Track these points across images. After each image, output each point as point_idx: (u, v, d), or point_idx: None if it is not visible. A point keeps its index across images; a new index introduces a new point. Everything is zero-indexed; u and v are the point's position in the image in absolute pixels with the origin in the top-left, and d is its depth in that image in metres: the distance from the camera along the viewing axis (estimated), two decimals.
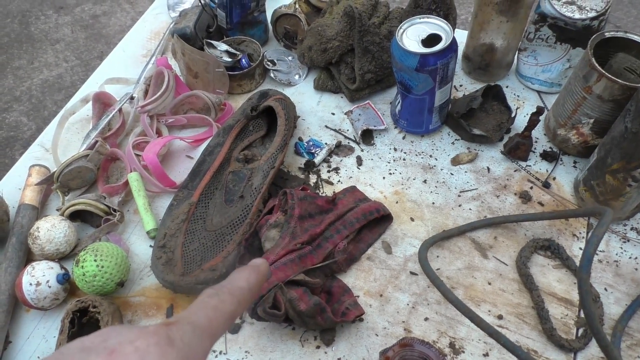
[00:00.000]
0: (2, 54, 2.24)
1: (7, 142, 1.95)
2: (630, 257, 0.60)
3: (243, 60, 0.77)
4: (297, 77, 0.80)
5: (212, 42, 0.77)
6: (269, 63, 0.79)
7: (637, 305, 0.56)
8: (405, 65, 0.62)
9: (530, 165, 0.68)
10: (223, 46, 0.78)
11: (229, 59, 0.77)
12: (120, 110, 0.74)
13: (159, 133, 0.74)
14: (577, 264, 0.59)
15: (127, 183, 0.68)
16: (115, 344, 0.24)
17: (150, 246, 0.65)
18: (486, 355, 0.54)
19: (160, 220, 0.66)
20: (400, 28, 0.64)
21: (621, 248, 0.61)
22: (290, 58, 0.82)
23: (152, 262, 0.60)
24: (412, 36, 0.63)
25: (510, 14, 0.67)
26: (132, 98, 0.75)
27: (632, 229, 0.62)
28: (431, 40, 0.63)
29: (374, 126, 0.72)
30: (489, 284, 0.59)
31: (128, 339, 0.24)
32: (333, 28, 0.73)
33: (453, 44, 0.62)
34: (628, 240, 0.61)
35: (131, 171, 0.68)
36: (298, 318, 0.53)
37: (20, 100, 2.07)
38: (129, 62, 0.86)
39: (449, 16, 0.71)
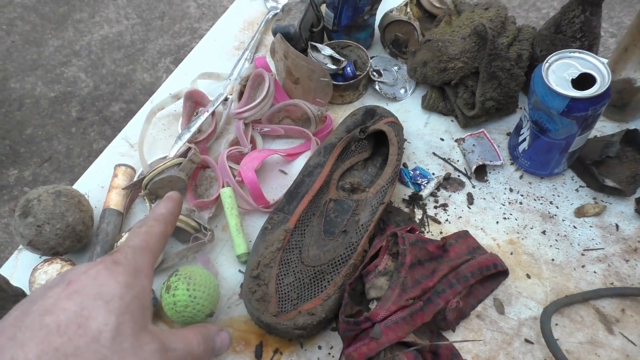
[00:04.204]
0: (63, 4, 2.20)
1: (64, 97, 1.94)
2: None
3: (348, 68, 0.70)
4: (402, 91, 0.73)
5: (317, 45, 0.70)
6: (374, 73, 0.72)
7: None
8: (549, 106, 0.54)
9: None
10: (327, 50, 0.71)
11: (333, 66, 0.70)
12: (213, 113, 0.68)
13: (252, 142, 0.68)
14: None
15: (218, 197, 0.63)
16: (71, 276, 0.30)
17: (240, 271, 0.61)
18: None
19: (250, 243, 0.61)
20: (547, 62, 0.56)
21: None
22: (396, 68, 0.74)
23: (244, 295, 0.55)
24: (559, 73, 0.55)
25: None
26: (225, 99, 0.70)
27: None
28: (581, 80, 0.55)
29: (490, 161, 0.65)
30: None
31: (81, 271, 0.30)
32: (457, 46, 0.65)
33: (609, 88, 0.53)
34: None
35: (224, 186, 0.63)
36: None
37: (79, 55, 2.05)
38: (221, 53, 0.80)
39: (593, 47, 0.62)
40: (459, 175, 0.66)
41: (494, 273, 0.57)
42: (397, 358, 0.49)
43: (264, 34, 0.81)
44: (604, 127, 0.68)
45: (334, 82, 0.69)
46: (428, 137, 0.69)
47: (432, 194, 0.64)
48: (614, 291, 0.56)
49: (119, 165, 0.66)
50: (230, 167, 0.64)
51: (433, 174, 0.66)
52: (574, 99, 0.53)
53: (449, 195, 0.64)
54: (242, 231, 0.61)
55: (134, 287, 0.30)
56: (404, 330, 0.51)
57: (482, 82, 0.64)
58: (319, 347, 0.55)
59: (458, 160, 0.67)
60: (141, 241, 0.34)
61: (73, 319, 0.27)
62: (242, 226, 0.62)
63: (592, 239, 0.60)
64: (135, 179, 0.65)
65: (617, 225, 0.61)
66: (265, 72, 0.67)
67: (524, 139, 0.62)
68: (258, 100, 0.65)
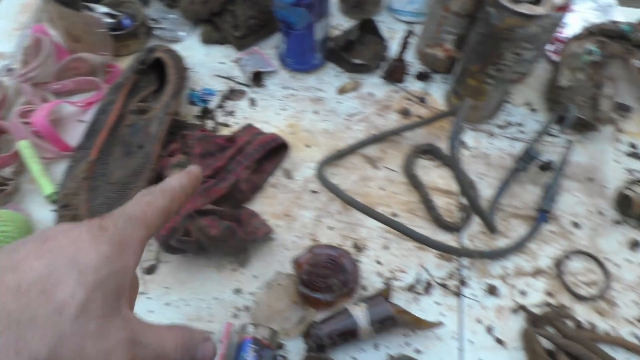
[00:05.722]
0: None
1: None
2: (497, 149, 0.69)
3: (125, 21, 0.77)
4: (182, 33, 0.82)
5: (90, 5, 0.76)
6: (151, 21, 0.80)
7: (505, 185, 0.65)
8: (284, 1, 0.66)
9: (407, 86, 0.76)
10: (102, 9, 0.77)
11: (111, 20, 0.76)
12: None
13: (45, 102, 0.72)
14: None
15: (17, 153, 0.66)
16: (50, 233, 0.25)
17: (53, 211, 0.64)
18: (386, 247, 0.61)
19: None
20: None
21: (489, 143, 0.70)
22: (174, 16, 0.83)
23: (57, 223, 0.59)
24: None
25: None
26: (9, 70, 0.73)
27: (497, 126, 0.71)
28: None
29: (263, 68, 0.75)
30: (382, 189, 0.65)
31: (61, 230, 0.26)
32: None
33: None
34: (494, 136, 0.70)
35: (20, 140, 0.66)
36: (211, 243, 0.56)
37: None
38: (1, 36, 0.82)
39: None
40: (241, 87, 0.76)
41: (277, 148, 0.68)
42: (197, 222, 0.56)
43: (43, 10, 0.84)
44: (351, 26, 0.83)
45: (114, 33, 0.76)
46: (210, 64, 0.79)
47: (220, 106, 0.73)
48: (373, 138, 0.69)
49: None
50: (25, 122, 0.67)
51: (219, 91, 0.75)
52: None
53: (235, 104, 0.74)
54: (46, 175, 0.65)
55: (115, 262, 0.26)
56: (200, 201, 0.59)
57: (240, 4, 0.75)
58: None
59: (239, 76, 0.77)
60: (139, 211, 0.29)
61: (37, 281, 0.23)
62: (47, 171, 0.65)
63: (354, 107, 0.73)
64: None
65: (371, 93, 0.75)
66: (41, 34, 0.72)
67: (283, 42, 0.74)
68: (38, 58, 0.70)
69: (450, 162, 0.57)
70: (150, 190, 0.31)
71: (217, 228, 0.56)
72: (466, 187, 0.56)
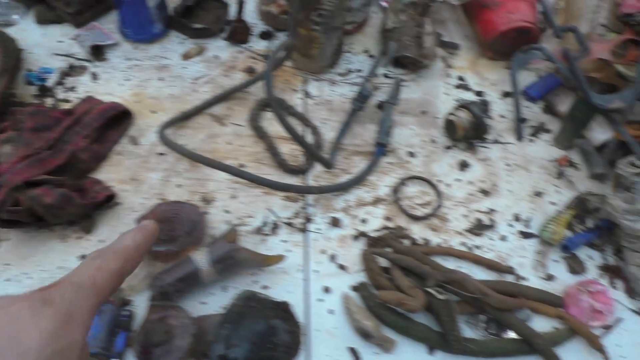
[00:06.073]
0: None
1: None
2: (339, 95, 0.73)
3: None
4: (16, 16, 0.78)
5: None
6: None
7: (346, 127, 0.69)
8: None
9: (252, 46, 0.77)
10: None
11: None
12: None
13: None
14: (299, 110, 0.70)
15: None
16: None
17: None
18: (234, 197, 0.62)
19: None
20: None
21: (331, 90, 0.73)
22: (4, 0, 0.79)
23: None
24: None
25: None
26: None
27: (338, 74, 0.75)
28: None
29: (103, 41, 0.74)
30: (230, 144, 0.67)
31: (0, 306, 0.23)
32: None
33: None
34: (335, 83, 0.74)
35: None
36: (48, 212, 0.55)
37: None
38: None
39: None
40: (82, 63, 0.74)
41: (121, 117, 0.67)
42: (28, 193, 0.55)
43: None
44: None
45: None
46: (48, 44, 0.76)
47: (60, 83, 0.71)
48: (217, 97, 0.70)
49: None
50: None
51: (58, 68, 0.73)
52: None
53: (75, 80, 0.72)
54: None
55: (61, 338, 0.24)
56: (32, 172, 0.57)
57: None
58: None
59: (79, 53, 0.75)
60: (88, 278, 0.27)
61: None
62: None
63: (199, 71, 0.74)
64: None
65: (216, 56, 0.76)
66: None
67: (119, 13, 0.73)
68: None
69: (269, 99, 0.59)
70: (101, 252, 0.29)
71: (51, 196, 0.55)
72: (283, 117, 0.58)
